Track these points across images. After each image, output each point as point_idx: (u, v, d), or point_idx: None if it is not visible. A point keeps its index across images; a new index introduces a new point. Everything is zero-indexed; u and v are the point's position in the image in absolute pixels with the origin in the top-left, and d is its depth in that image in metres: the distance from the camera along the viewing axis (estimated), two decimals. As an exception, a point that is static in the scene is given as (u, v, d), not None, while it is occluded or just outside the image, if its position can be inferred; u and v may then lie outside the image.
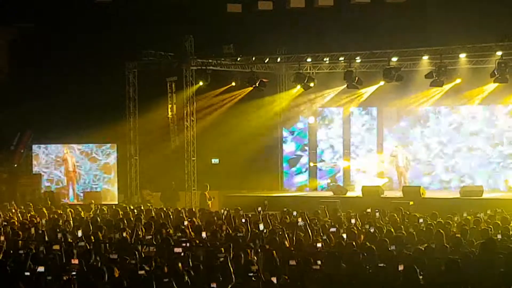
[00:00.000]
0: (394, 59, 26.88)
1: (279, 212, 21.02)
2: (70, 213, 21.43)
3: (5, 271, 12.12)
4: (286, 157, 31.73)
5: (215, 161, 31.59)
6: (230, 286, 11.43)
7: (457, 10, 25.09)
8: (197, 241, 15.28)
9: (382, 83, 28.01)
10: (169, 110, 30.78)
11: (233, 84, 30.07)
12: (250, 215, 19.85)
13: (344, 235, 15.43)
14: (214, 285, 10.96)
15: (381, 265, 12.06)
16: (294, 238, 15.32)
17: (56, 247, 13.93)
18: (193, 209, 22.89)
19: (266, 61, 29.31)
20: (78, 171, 29.25)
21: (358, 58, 27.79)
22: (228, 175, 30.24)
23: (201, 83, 28.70)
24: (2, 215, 20.94)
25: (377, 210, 20.09)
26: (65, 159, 29.12)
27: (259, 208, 20.93)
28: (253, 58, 28.88)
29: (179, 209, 22.59)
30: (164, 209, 22.61)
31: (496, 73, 25.47)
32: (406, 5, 23.87)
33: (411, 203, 23.89)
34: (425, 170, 29.99)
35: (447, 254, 13.13)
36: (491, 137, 29.27)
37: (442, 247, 13.73)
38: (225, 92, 30.27)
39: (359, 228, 17.12)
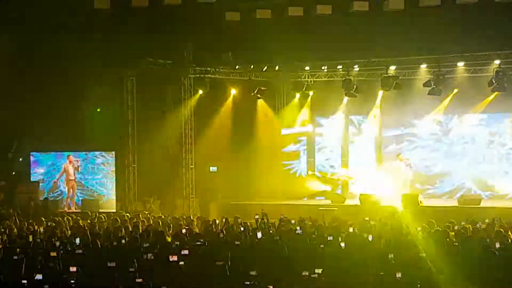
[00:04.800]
0: (392, 67, 26.93)
1: (277, 220, 21.03)
2: (68, 221, 21.41)
3: (2, 279, 12.10)
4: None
5: (213, 169, 31.60)
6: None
7: (455, 19, 25.11)
8: (195, 249, 15.28)
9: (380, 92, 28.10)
10: (167, 118, 30.78)
11: (232, 92, 30.11)
12: (248, 223, 19.87)
13: (343, 244, 15.43)
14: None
15: (380, 273, 12.08)
16: (292, 246, 15.31)
17: (54, 254, 13.93)
18: (191, 217, 22.89)
19: (264, 69, 29.35)
20: (77, 177, 29.19)
21: (356, 66, 27.85)
22: (227, 183, 30.23)
23: (199, 91, 28.76)
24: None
25: (374, 219, 20.12)
26: (65, 167, 29.08)
27: (257, 216, 20.97)
28: (252, 66, 28.93)
29: (177, 217, 22.58)
30: (162, 217, 22.60)
31: (494, 82, 25.54)
32: (404, 13, 23.87)
33: (410, 211, 23.88)
34: (424, 178, 30.00)
35: (445, 262, 13.14)
36: (492, 145, 29.32)
37: (440, 256, 13.74)
38: (223, 100, 30.30)
39: (357, 236, 17.12)
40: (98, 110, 30.22)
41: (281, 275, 12.20)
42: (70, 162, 29.02)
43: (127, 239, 16.54)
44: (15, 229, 19.58)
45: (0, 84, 28.71)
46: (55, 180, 29.02)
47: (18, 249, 15.34)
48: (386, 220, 20.04)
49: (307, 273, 11.86)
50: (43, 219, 21.76)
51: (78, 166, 28.98)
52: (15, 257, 13.99)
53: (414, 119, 30.19)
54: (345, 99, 29.35)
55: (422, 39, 26.02)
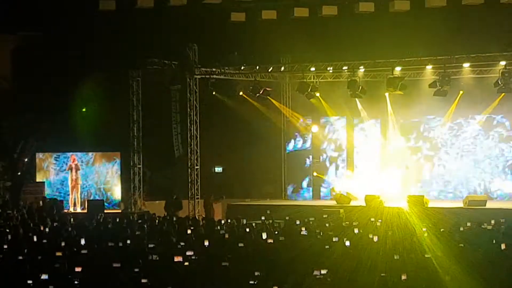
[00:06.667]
0: (398, 68, 26.89)
1: (282, 221, 21.03)
2: (73, 221, 21.42)
3: (8, 279, 12.12)
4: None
5: (218, 169, 31.61)
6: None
7: (460, 19, 25.10)
8: (200, 250, 15.27)
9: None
10: (173, 118, 30.81)
11: (237, 92, 30.10)
12: (253, 224, 19.87)
13: (348, 243, 15.43)
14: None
15: (384, 274, 12.07)
16: (297, 247, 15.30)
17: (59, 254, 13.95)
18: (197, 218, 22.89)
19: (270, 70, 29.34)
20: (82, 177, 29.22)
21: (361, 67, 27.82)
22: (232, 184, 30.21)
23: (204, 92, 28.76)
24: (5, 223, 20.94)
25: (380, 219, 20.11)
26: (70, 168, 29.12)
27: (263, 218, 20.97)
28: (257, 67, 28.92)
29: (183, 217, 22.58)
30: (168, 217, 22.60)
31: (500, 83, 25.50)
32: (409, 14, 23.86)
33: (415, 212, 23.87)
34: (428, 179, 29.96)
35: (450, 263, 13.12)
36: (496, 147, 29.30)
37: (446, 257, 13.72)
38: (228, 100, 30.29)
39: (363, 237, 17.10)
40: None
41: (286, 276, 12.18)
42: (74, 161, 29.06)
43: (132, 239, 16.53)
44: (21, 229, 19.59)
45: (5, 85, 28.78)
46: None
47: (23, 249, 15.37)
48: (391, 221, 20.02)
49: (312, 274, 11.85)
50: (49, 219, 21.78)
51: (77, 165, 28.99)
52: (21, 257, 14.00)
53: (420, 120, 30.15)
54: (351, 100, 29.27)
55: (427, 40, 26.01)
